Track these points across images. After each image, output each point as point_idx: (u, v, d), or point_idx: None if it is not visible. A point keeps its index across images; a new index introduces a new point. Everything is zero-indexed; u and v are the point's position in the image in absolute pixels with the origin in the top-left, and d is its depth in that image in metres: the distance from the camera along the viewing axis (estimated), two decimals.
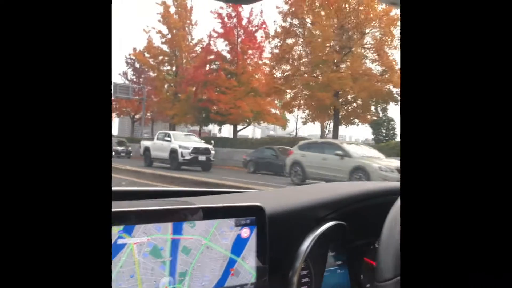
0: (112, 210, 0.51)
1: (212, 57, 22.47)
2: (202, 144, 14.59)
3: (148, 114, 29.19)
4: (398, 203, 0.56)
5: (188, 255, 0.58)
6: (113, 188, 0.72)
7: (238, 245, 0.62)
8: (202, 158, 13.97)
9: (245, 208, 0.63)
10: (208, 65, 22.63)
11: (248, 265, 0.63)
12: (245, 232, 0.63)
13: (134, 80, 30.88)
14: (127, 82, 29.81)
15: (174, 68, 26.42)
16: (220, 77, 21.13)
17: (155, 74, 26.96)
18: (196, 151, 13.89)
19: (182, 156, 13.70)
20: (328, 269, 0.80)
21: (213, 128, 24.86)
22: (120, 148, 20.72)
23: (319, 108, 18.08)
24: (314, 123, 20.30)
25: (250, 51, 21.74)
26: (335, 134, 18.47)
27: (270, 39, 19.33)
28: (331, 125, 20.84)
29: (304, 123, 20.49)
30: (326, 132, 22.98)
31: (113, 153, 17.65)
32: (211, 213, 0.60)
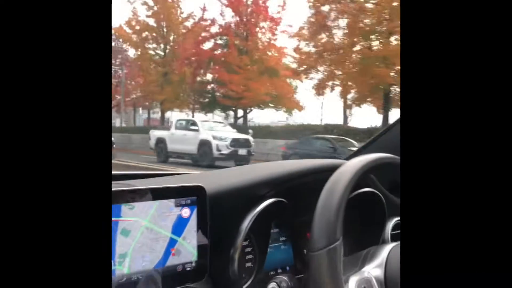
0: None
1: (218, 30, 18.81)
2: (240, 135, 11.47)
3: (128, 99, 24.50)
4: (333, 177, 0.57)
5: (128, 236, 0.57)
6: None
7: (179, 226, 0.62)
8: (242, 152, 10.81)
9: (186, 188, 0.63)
10: (213, 40, 19.13)
11: (189, 244, 0.63)
12: (185, 212, 0.63)
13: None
14: None
15: (162, 46, 21.73)
16: (231, 54, 17.35)
17: (138, 53, 22.23)
18: (235, 143, 10.77)
19: (218, 149, 10.52)
20: (272, 245, 0.81)
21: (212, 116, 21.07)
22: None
23: (373, 88, 13.97)
24: (361, 107, 16.66)
25: (263, 24, 17.95)
26: (385, 122, 13.96)
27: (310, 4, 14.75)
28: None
29: (348, 107, 17.01)
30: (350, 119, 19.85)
31: None
32: (150, 194, 0.60)
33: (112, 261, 0.56)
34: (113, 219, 0.56)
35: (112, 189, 0.58)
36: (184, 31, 20.86)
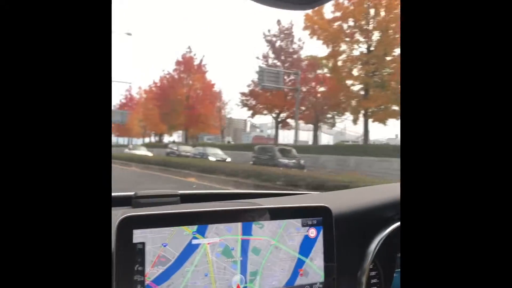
0: (186, 210, 0.57)
1: None
2: None
3: (304, 110, 19.61)
4: None
5: (258, 255, 0.60)
6: (182, 192, 0.88)
7: (306, 246, 0.62)
8: None
9: (312, 208, 0.64)
10: None
11: (316, 265, 0.63)
12: (312, 232, 0.63)
13: (277, 64, 20.95)
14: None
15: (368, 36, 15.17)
16: None
17: (336, 49, 15.86)
18: None
19: None
20: (398, 270, 0.77)
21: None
22: (286, 161, 13.64)
23: None
24: None
25: None
26: None
27: None
28: None
29: None
30: None
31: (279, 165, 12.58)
32: (278, 214, 0.61)
33: (244, 278, 0.58)
34: (244, 237, 0.59)
35: (244, 207, 0.61)
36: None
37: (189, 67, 25.42)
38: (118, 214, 0.70)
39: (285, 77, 19.15)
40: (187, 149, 20.24)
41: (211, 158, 16.01)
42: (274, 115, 22.53)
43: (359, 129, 21.05)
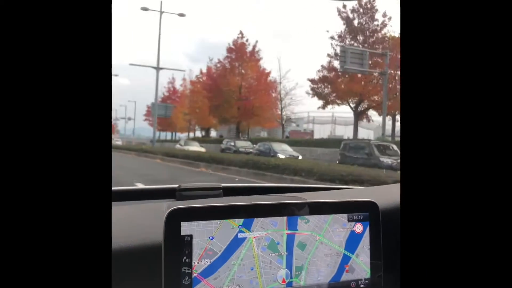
0: (232, 204, 0.57)
1: None
2: None
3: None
4: None
5: (304, 250, 0.59)
6: (225, 185, 0.86)
7: (352, 242, 0.62)
8: None
9: (358, 203, 0.63)
10: None
11: (362, 261, 0.62)
12: (358, 228, 0.62)
13: (355, 45, 18.10)
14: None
15: None
16: None
17: None
18: None
19: None
20: None
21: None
22: (389, 160, 10.94)
23: None
24: None
25: None
26: None
27: None
28: None
29: None
30: None
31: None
32: (323, 208, 0.61)
33: (289, 273, 0.58)
34: (290, 231, 0.59)
35: (290, 201, 0.60)
36: None
37: (241, 54, 23.67)
38: (163, 206, 0.72)
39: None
40: (245, 145, 18.60)
41: (280, 156, 14.33)
42: (352, 104, 19.55)
43: None
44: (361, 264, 0.62)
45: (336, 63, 17.52)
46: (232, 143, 19.28)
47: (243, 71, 23.91)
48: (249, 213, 0.57)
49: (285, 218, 0.59)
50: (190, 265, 0.53)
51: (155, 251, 0.55)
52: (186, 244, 0.53)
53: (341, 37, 19.41)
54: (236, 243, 0.56)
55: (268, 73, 24.26)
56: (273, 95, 24.77)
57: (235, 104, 23.62)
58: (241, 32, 24.30)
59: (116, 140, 36.14)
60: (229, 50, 24.16)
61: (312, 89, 20.05)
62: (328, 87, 19.38)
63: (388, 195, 0.79)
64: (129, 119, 51.04)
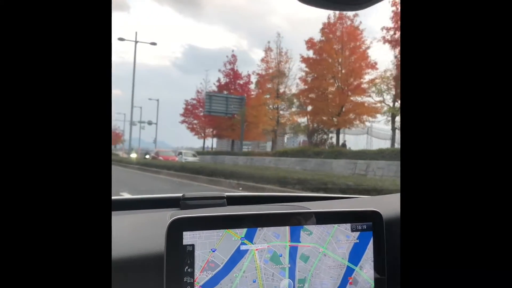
0: (234, 213, 0.57)
1: None
2: None
3: None
4: None
5: (307, 262, 0.59)
6: (229, 194, 0.87)
7: (355, 253, 0.61)
8: None
9: (362, 213, 0.62)
10: None
11: (365, 273, 0.61)
12: (361, 238, 0.62)
13: None
14: None
15: None
16: None
17: None
18: None
19: None
20: None
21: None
22: None
23: None
24: None
25: None
26: None
27: None
28: None
29: None
30: None
31: None
32: (326, 218, 0.60)
33: (292, 285, 0.58)
34: (293, 244, 0.58)
35: (292, 211, 0.60)
36: None
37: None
38: (167, 215, 0.72)
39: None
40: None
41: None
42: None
43: None
44: (365, 276, 0.61)
45: None
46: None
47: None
48: (252, 222, 0.57)
49: (288, 230, 0.59)
50: (192, 274, 0.54)
51: (158, 261, 0.56)
52: (188, 253, 0.54)
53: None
54: (239, 255, 0.56)
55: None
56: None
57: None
58: None
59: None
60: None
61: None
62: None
63: (391, 204, 0.78)
64: (150, 123, 35.22)
